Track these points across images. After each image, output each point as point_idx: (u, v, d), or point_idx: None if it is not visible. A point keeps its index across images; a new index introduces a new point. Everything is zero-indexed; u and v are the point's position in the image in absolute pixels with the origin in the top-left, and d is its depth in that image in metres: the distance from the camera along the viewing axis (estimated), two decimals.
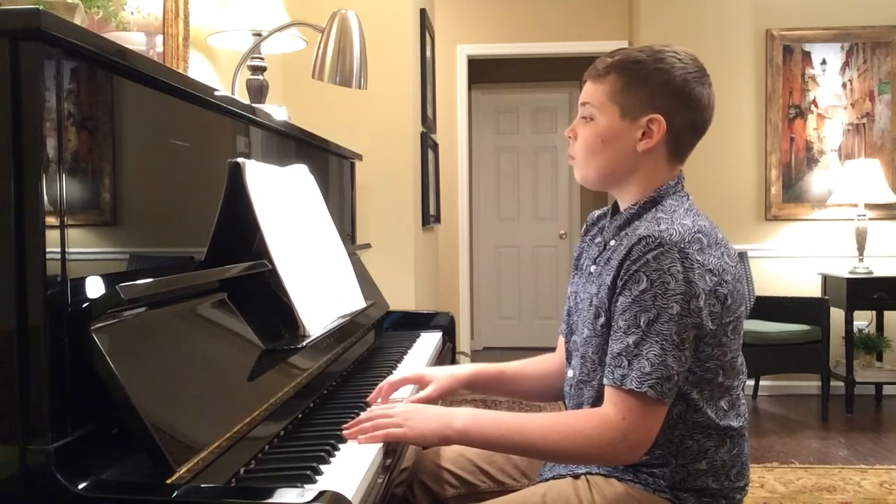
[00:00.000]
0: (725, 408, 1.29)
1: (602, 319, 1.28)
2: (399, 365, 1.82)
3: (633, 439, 1.19)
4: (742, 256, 4.29)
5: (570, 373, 1.41)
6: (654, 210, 1.30)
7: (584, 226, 1.51)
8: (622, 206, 1.37)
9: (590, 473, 1.32)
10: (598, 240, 1.42)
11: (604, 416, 1.20)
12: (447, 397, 1.51)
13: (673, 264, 1.19)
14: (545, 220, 6.37)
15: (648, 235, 1.21)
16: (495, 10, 5.37)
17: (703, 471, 1.29)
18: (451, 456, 1.55)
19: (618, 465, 1.30)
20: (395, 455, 1.29)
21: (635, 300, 1.20)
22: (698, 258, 1.21)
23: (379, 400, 1.45)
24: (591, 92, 1.34)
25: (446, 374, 1.49)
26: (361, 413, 1.32)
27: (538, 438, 1.22)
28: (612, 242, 1.32)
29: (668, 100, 1.29)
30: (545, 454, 1.30)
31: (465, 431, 1.24)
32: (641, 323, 1.19)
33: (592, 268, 1.36)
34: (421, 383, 1.50)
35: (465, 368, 1.54)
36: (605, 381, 1.23)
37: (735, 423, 1.30)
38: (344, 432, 1.24)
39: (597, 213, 1.51)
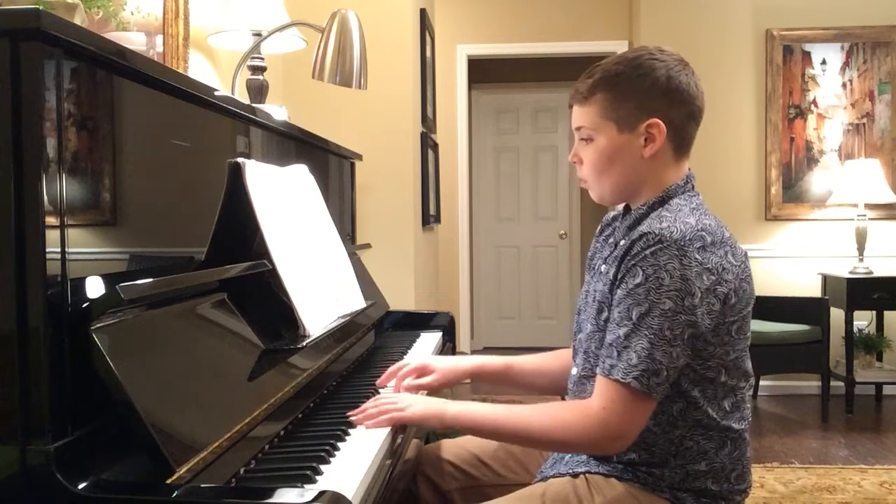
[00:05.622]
0: (728, 408, 1.30)
1: (605, 314, 1.30)
2: None
3: (613, 429, 1.22)
4: None
5: (574, 370, 1.43)
6: (660, 209, 1.32)
7: (599, 226, 1.54)
8: (633, 207, 1.39)
9: (589, 472, 1.32)
10: (610, 240, 1.44)
11: (585, 406, 1.25)
12: (449, 388, 1.62)
13: (670, 261, 1.20)
14: (545, 220, 6.36)
15: (649, 232, 1.23)
16: (495, 10, 5.37)
17: (702, 472, 1.29)
18: (453, 449, 1.58)
19: (606, 455, 1.32)
20: (396, 454, 1.29)
21: (629, 293, 1.23)
22: (697, 257, 1.22)
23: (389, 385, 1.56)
24: (582, 115, 1.36)
25: (450, 366, 1.58)
26: (368, 401, 1.37)
27: (523, 425, 1.29)
28: (623, 242, 1.33)
29: (659, 101, 1.30)
30: (530, 440, 1.35)
31: (458, 416, 1.33)
32: (633, 316, 1.21)
33: (603, 266, 1.38)
34: (424, 372, 1.56)
35: (468, 360, 1.61)
36: (597, 370, 1.27)
37: (736, 426, 1.30)
38: (352, 418, 1.31)
39: (612, 214, 1.52)
